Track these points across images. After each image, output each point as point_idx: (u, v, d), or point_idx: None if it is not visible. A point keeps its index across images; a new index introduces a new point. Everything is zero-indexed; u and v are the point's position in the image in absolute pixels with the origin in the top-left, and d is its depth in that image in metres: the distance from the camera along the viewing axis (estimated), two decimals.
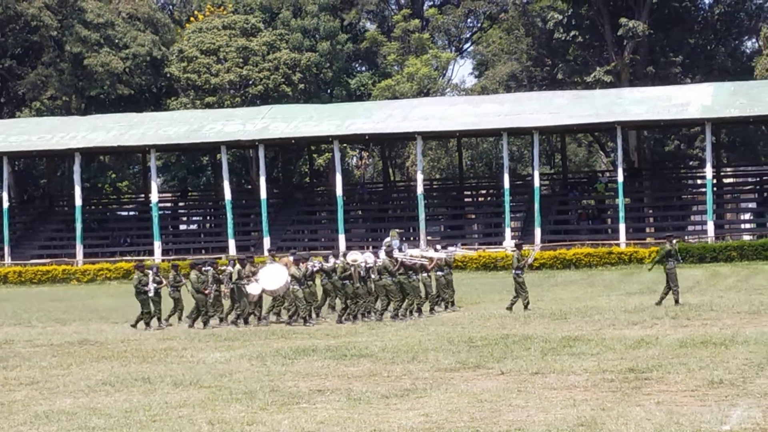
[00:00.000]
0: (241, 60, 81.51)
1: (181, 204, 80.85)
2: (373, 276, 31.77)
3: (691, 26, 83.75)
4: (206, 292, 31.75)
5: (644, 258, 55.38)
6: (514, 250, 36.07)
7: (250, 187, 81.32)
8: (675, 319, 27.83)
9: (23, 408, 17.16)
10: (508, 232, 61.69)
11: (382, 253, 32.28)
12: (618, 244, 58.69)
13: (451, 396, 16.67)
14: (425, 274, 32.85)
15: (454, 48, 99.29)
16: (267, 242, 62.08)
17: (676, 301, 31.74)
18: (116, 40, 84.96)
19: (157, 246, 64.16)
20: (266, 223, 63.47)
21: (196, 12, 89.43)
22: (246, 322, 31.75)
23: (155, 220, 64.71)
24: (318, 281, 32.94)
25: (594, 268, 55.25)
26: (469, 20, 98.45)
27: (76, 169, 65.53)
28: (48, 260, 65.59)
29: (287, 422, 15.01)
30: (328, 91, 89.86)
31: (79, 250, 64.93)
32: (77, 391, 18.83)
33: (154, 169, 67.06)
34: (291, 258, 32.69)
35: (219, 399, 17.24)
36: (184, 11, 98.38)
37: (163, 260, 58.64)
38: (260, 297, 32.26)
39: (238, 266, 32.33)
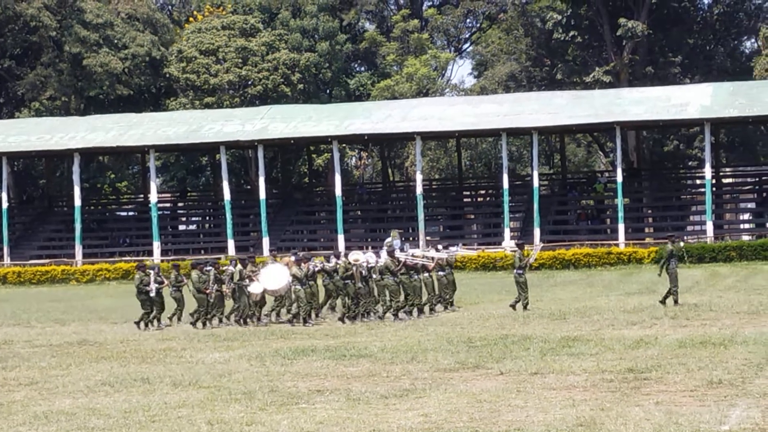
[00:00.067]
0: (240, 60, 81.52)
1: (180, 204, 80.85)
2: (374, 276, 31.79)
3: (690, 26, 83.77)
4: (207, 291, 31.76)
5: (643, 258, 55.44)
6: (514, 250, 36.09)
7: (249, 187, 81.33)
8: (674, 319, 27.84)
9: (22, 408, 17.15)
10: (507, 233, 61.69)
11: (383, 253, 32.28)
12: (617, 245, 58.70)
13: (450, 396, 16.66)
14: (426, 274, 32.86)
15: (453, 48, 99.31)
16: (266, 242, 62.08)
17: (675, 302, 31.74)
18: (115, 41, 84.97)
19: (157, 246, 64.16)
20: (265, 223, 63.48)
21: (195, 12, 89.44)
22: (245, 323, 31.74)
23: (154, 221, 64.71)
24: (319, 281, 32.99)
25: (593, 268, 55.26)
26: (468, 20, 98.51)
27: (76, 169, 65.53)
28: (47, 260, 65.58)
29: (286, 422, 15.01)
30: (327, 91, 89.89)
31: (79, 250, 64.92)
32: (76, 391, 18.83)
33: (153, 169, 67.07)
34: (293, 258, 32.69)
35: (218, 399, 17.24)
36: (183, 11, 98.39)
37: (162, 260, 58.63)
38: (263, 297, 32.24)
39: (239, 266, 32.33)
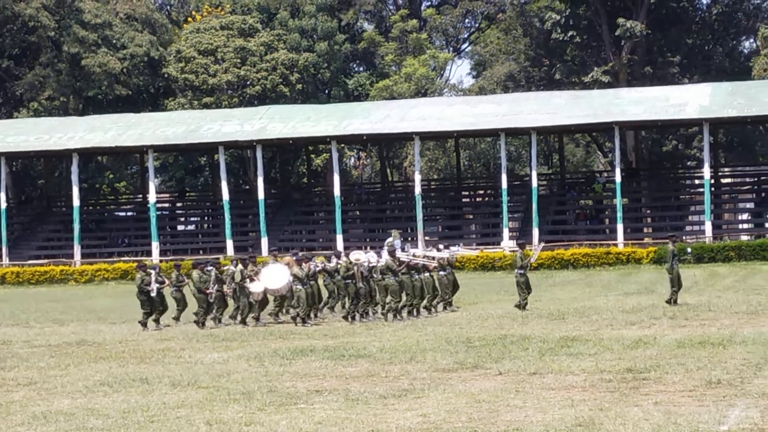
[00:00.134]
0: (238, 60, 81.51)
1: (179, 204, 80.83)
2: (375, 276, 31.79)
3: (689, 26, 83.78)
4: (207, 291, 31.76)
5: (642, 258, 55.44)
6: (515, 250, 36.13)
7: (247, 187, 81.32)
8: (673, 319, 27.85)
9: (21, 409, 17.15)
10: (506, 233, 61.69)
11: (384, 253, 32.26)
12: (616, 245, 58.70)
13: (449, 396, 16.67)
14: (427, 274, 32.86)
15: (451, 48, 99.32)
16: (265, 242, 62.08)
17: (674, 302, 31.75)
18: (114, 41, 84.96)
19: (155, 246, 64.15)
20: (264, 223, 63.48)
21: (193, 12, 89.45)
22: (244, 323, 31.72)
23: (153, 221, 64.69)
24: (320, 281, 33.03)
25: (592, 268, 55.26)
26: (466, 20, 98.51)
27: (74, 169, 65.49)
28: (46, 261, 65.55)
29: (285, 423, 15.01)
30: (326, 91, 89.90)
31: (77, 250, 64.90)
32: (75, 391, 18.82)
33: (151, 169, 67.06)
34: (293, 258, 32.68)
35: (217, 399, 17.24)
36: (181, 12, 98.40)
37: (161, 260, 58.61)
38: (265, 297, 32.21)
39: (240, 266, 32.33)
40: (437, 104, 69.87)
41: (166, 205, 78.91)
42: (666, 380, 17.40)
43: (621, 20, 76.56)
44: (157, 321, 32.33)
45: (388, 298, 31.85)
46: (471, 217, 73.21)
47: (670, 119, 61.62)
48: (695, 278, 42.21)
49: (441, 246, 36.54)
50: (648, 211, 70.94)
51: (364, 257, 32.02)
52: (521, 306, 32.30)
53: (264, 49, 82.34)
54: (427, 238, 62.34)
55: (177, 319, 33.06)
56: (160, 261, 57.57)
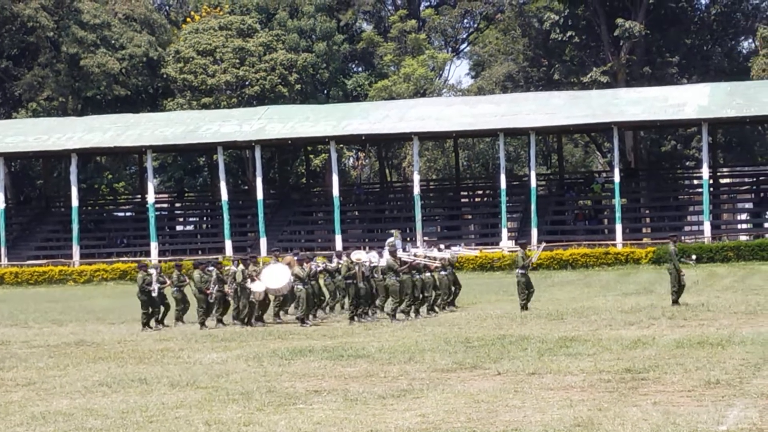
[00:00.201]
0: (237, 61, 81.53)
1: (177, 205, 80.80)
2: (376, 276, 31.78)
3: (688, 26, 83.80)
4: (208, 292, 31.75)
5: (641, 258, 55.45)
6: (514, 250, 36.17)
7: (246, 187, 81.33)
8: (672, 319, 27.85)
9: (20, 409, 17.14)
10: (504, 233, 61.72)
11: (385, 253, 32.26)
12: (614, 245, 58.73)
13: (447, 396, 16.66)
14: (428, 274, 32.86)
15: (450, 48, 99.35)
16: (263, 243, 62.09)
17: (673, 302, 31.74)
18: (112, 41, 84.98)
19: (154, 247, 64.14)
20: (263, 223, 63.49)
21: (192, 13, 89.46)
22: (244, 323, 31.66)
23: (152, 221, 64.69)
24: (321, 281, 33.05)
25: (591, 268, 55.27)
26: (465, 21, 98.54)
27: (73, 169, 65.50)
28: (45, 261, 65.55)
29: (284, 423, 15.00)
30: (325, 91, 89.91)
31: (76, 250, 64.90)
32: (74, 392, 18.81)
33: (150, 169, 67.06)
34: (294, 258, 32.67)
35: (216, 400, 17.23)
36: (180, 12, 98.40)
37: (159, 261, 58.59)
38: (266, 297, 32.19)
39: (241, 266, 32.32)
40: (436, 104, 69.90)
41: (165, 205, 78.90)
42: (665, 380, 17.39)
43: (620, 20, 76.59)
44: (161, 321, 32.28)
45: (389, 299, 31.84)
46: (470, 217, 73.22)
47: (668, 119, 61.65)
48: (694, 278, 42.21)
49: (442, 246, 36.58)
50: (647, 212, 70.95)
51: (365, 257, 32.02)
52: (524, 306, 32.32)
53: (263, 49, 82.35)
54: (425, 238, 62.30)
55: (180, 319, 33.07)
56: (159, 261, 57.53)
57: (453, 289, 34.70)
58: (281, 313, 32.89)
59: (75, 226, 64.99)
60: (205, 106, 79.30)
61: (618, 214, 60.17)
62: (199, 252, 69.77)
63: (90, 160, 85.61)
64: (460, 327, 28.08)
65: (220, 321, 32.23)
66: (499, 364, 19.91)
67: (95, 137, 66.90)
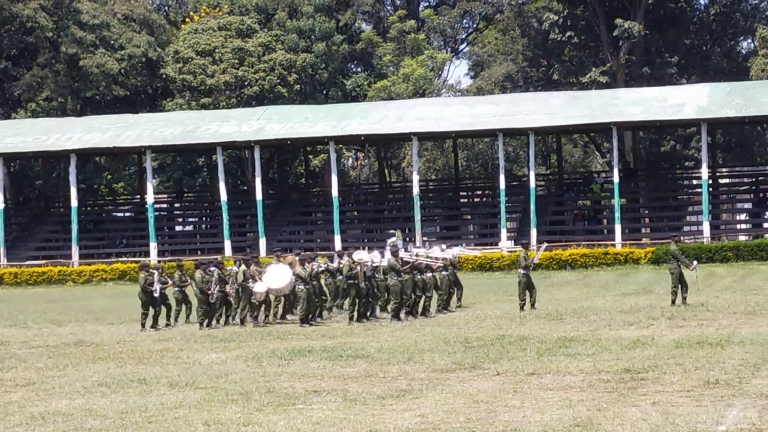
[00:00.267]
0: (236, 61, 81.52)
1: (176, 205, 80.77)
2: (377, 276, 31.76)
3: (687, 27, 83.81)
4: (209, 292, 31.74)
5: (640, 259, 55.45)
6: (513, 250, 36.18)
7: (245, 188, 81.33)
8: (671, 319, 27.86)
9: (19, 409, 17.14)
10: (504, 233, 61.71)
11: (387, 253, 32.25)
12: (614, 245, 58.72)
13: (447, 397, 16.66)
14: (430, 274, 32.86)
15: (449, 49, 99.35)
16: (263, 243, 62.12)
17: (673, 302, 31.74)
18: (112, 41, 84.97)
19: (153, 247, 64.14)
20: (262, 224, 63.50)
21: (191, 13, 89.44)
22: (242, 323, 31.67)
23: (151, 222, 64.69)
24: (322, 281, 33.04)
25: (590, 268, 55.27)
26: (464, 21, 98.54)
27: (72, 170, 65.50)
28: (44, 261, 65.53)
29: (283, 423, 15.01)
30: (324, 92, 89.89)
31: (75, 251, 64.90)
32: (73, 392, 18.82)
33: (149, 170, 67.05)
34: (296, 258, 32.68)
35: (215, 400, 17.23)
36: (179, 12, 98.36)
37: (159, 261, 58.55)
38: (267, 298, 32.20)
39: (243, 266, 32.31)
40: (435, 105, 69.91)
41: (164, 205, 78.90)
42: (664, 380, 17.40)
43: (619, 21, 76.58)
44: (159, 321, 32.25)
45: (391, 299, 31.80)
46: (469, 217, 73.22)
47: (668, 119, 61.65)
48: (693, 279, 42.20)
49: (444, 246, 36.59)
50: (646, 212, 70.96)
51: (367, 257, 32.01)
52: (520, 306, 32.33)
53: (262, 49, 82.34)
54: (425, 238, 62.35)
55: (175, 319, 33.08)
56: (159, 261, 57.50)
57: (451, 290, 34.68)
58: (288, 314, 32.89)
59: (74, 227, 64.99)
60: (205, 107, 79.29)
61: (617, 215, 60.18)
62: (199, 252, 69.72)
63: (89, 160, 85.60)
64: (460, 327, 28.09)
65: (221, 321, 32.21)
66: (498, 365, 19.91)
67: (94, 137, 66.91)
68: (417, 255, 33.00)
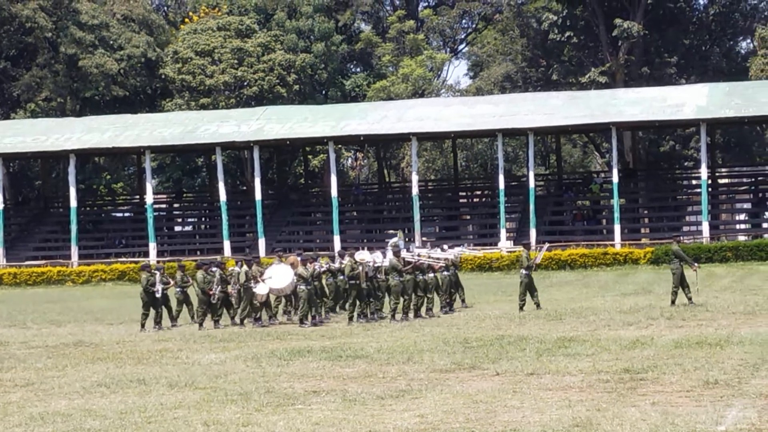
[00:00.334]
0: (235, 61, 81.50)
1: (176, 205, 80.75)
2: (379, 276, 31.74)
3: (686, 27, 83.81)
4: (210, 292, 31.72)
5: (639, 259, 55.44)
6: (512, 250, 36.17)
7: (245, 188, 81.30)
8: (670, 319, 27.86)
9: (18, 409, 17.14)
10: (503, 233, 61.73)
11: (389, 253, 32.22)
12: (613, 245, 58.72)
13: (446, 397, 16.67)
14: (431, 274, 32.85)
15: (448, 49, 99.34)
16: (262, 243, 62.11)
17: (672, 302, 31.73)
18: (111, 42, 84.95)
19: (152, 247, 64.12)
20: (261, 224, 63.49)
21: (190, 13, 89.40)
22: (258, 320, 31.61)
23: (150, 222, 64.67)
24: (324, 281, 33.04)
25: (589, 268, 55.26)
26: (463, 21, 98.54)
27: (71, 170, 65.48)
28: (43, 262, 65.53)
29: (282, 423, 15.01)
30: (323, 92, 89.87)
31: (74, 251, 64.88)
32: (72, 392, 18.82)
33: (149, 170, 67.03)
34: (298, 258, 32.66)
35: (214, 400, 17.23)
36: (178, 12, 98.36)
37: (158, 261, 58.54)
38: (267, 297, 32.21)
39: (245, 267, 32.29)
40: (434, 105, 69.90)
41: (164, 206, 78.86)
42: (663, 381, 17.40)
43: (618, 21, 76.58)
44: (157, 322, 32.23)
45: (392, 299, 31.77)
46: (468, 217, 73.21)
47: (667, 120, 61.64)
48: (692, 279, 42.19)
49: (445, 246, 36.58)
50: (645, 212, 70.96)
51: (369, 257, 31.98)
52: (522, 307, 32.33)
53: (261, 49, 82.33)
54: (424, 238, 62.36)
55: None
56: (158, 262, 57.50)
57: (452, 290, 34.67)
58: (292, 313, 32.88)
59: (73, 227, 64.98)
60: (204, 107, 79.27)
61: (616, 215, 60.18)
62: (198, 252, 69.71)
63: (88, 160, 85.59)
64: (459, 327, 28.09)
65: (216, 321, 32.20)
66: (497, 365, 19.91)
67: (93, 138, 66.91)
68: (419, 255, 32.98)
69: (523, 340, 23.91)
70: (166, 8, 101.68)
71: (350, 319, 31.22)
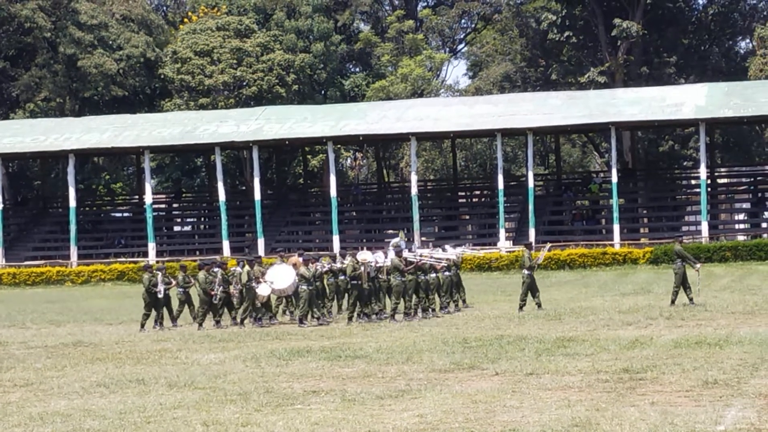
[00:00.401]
0: (234, 61, 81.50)
1: (175, 205, 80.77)
2: (381, 276, 31.72)
3: (685, 27, 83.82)
4: (212, 293, 31.71)
5: (638, 258, 55.46)
6: (512, 250, 36.16)
7: (244, 188, 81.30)
8: (669, 319, 27.87)
9: (18, 410, 17.14)
10: (502, 233, 61.76)
11: (391, 253, 32.22)
12: (612, 245, 58.73)
13: (445, 397, 16.66)
14: (434, 275, 32.85)
15: (448, 49, 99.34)
16: (261, 243, 62.11)
17: (672, 302, 31.72)
18: (110, 42, 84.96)
19: (152, 247, 64.11)
20: (260, 224, 63.48)
21: (189, 13, 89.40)
22: (259, 321, 31.61)
23: (149, 222, 64.66)
24: (326, 282, 33.04)
25: (588, 268, 55.28)
26: (463, 21, 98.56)
27: (70, 170, 65.47)
28: (42, 262, 65.54)
29: (282, 423, 15.01)
30: (322, 92, 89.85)
31: (74, 251, 64.88)
32: (72, 392, 18.81)
33: (148, 170, 67.02)
34: (300, 259, 32.63)
35: (213, 400, 17.23)
36: (177, 12, 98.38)
37: (157, 261, 58.54)
38: (269, 297, 32.19)
39: (247, 267, 32.28)
40: (433, 105, 69.89)
41: (163, 206, 78.87)
42: (663, 380, 17.40)
43: (617, 20, 76.58)
44: (158, 323, 32.21)
45: (393, 299, 31.75)
46: (467, 217, 73.22)
47: (666, 119, 61.66)
48: (694, 279, 42.20)
49: (447, 246, 36.59)
50: (644, 212, 70.97)
51: (371, 257, 31.95)
52: (523, 307, 32.32)
53: (260, 49, 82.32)
54: (423, 238, 62.36)
55: (173, 320, 33.07)
56: (157, 262, 57.49)
57: (453, 290, 34.67)
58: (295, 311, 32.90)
59: (72, 227, 64.97)
60: (203, 107, 79.27)
61: (615, 215, 60.20)
62: (197, 253, 69.67)
63: (87, 160, 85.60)
64: (458, 327, 28.09)
65: (216, 321, 32.20)
66: (496, 365, 19.91)
67: (93, 138, 66.90)
68: (422, 255, 32.98)
69: (522, 340, 23.91)
70: (165, 8, 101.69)
71: (350, 319, 31.21)
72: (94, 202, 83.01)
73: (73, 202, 65.04)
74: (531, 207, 60.63)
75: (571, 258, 56.27)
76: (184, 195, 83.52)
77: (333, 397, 17.12)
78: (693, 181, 71.22)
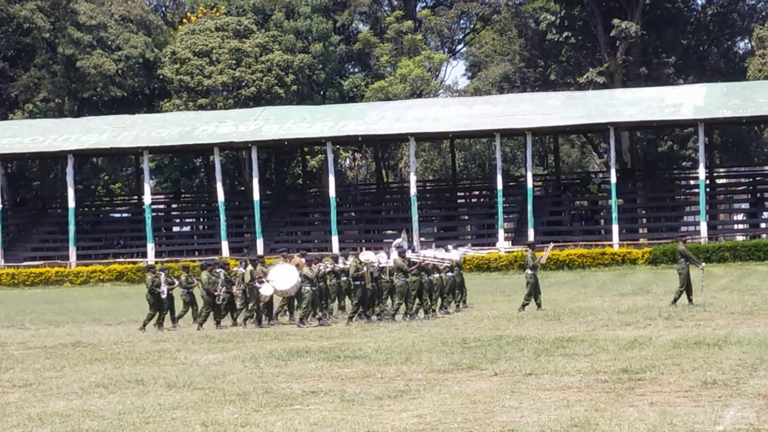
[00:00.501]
0: (233, 62, 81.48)
1: (174, 206, 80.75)
2: (384, 276, 31.70)
3: (684, 27, 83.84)
4: (215, 293, 31.68)
5: (637, 259, 55.46)
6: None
7: (243, 188, 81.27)
8: (668, 319, 27.88)
9: (16, 410, 17.13)
10: (501, 233, 61.76)
11: (393, 253, 32.21)
12: (611, 245, 58.74)
13: (444, 397, 16.66)
14: (437, 275, 32.84)
15: (446, 49, 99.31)
16: (260, 244, 62.09)
17: (674, 302, 31.71)
18: (109, 42, 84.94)
19: (151, 248, 64.10)
20: (259, 224, 63.47)
21: (188, 14, 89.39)
22: (259, 322, 31.58)
23: (148, 222, 64.65)
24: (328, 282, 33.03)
25: (587, 268, 55.28)
26: (461, 21, 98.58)
27: (69, 171, 65.45)
28: (41, 262, 65.53)
29: (281, 424, 15.00)
30: (321, 92, 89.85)
31: (72, 252, 64.86)
32: (70, 393, 18.80)
33: (147, 170, 67.02)
34: (303, 259, 32.61)
35: (212, 401, 17.23)
36: (176, 13, 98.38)
37: (157, 262, 58.53)
38: (271, 297, 32.17)
39: (249, 267, 32.25)
40: (432, 105, 69.88)
41: (162, 206, 78.84)
42: (661, 381, 17.40)
43: (616, 21, 76.60)
44: (159, 324, 32.18)
45: (395, 300, 31.72)
46: (466, 218, 73.22)
47: (665, 120, 61.67)
48: (696, 278, 42.20)
49: (449, 246, 36.58)
50: (643, 212, 70.98)
51: (374, 258, 31.93)
52: (522, 305, 32.32)
53: (259, 50, 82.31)
54: (422, 239, 62.36)
55: (173, 320, 33.06)
56: (157, 262, 57.48)
57: (456, 290, 34.66)
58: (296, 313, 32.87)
59: (71, 228, 64.96)
60: (202, 107, 79.25)
61: (614, 215, 60.20)
62: (196, 253, 69.65)
63: (86, 161, 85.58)
64: (457, 328, 28.09)
65: (217, 322, 32.19)
66: (495, 365, 19.91)
67: (92, 138, 66.89)
68: (425, 256, 32.97)
69: (521, 340, 23.91)
70: (164, 9, 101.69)
71: (350, 319, 31.20)
72: (93, 202, 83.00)
73: (72, 203, 65.04)
74: (530, 207, 60.65)
75: (570, 258, 56.28)
76: (183, 195, 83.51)
77: (332, 397, 17.12)
78: (692, 182, 71.22)
